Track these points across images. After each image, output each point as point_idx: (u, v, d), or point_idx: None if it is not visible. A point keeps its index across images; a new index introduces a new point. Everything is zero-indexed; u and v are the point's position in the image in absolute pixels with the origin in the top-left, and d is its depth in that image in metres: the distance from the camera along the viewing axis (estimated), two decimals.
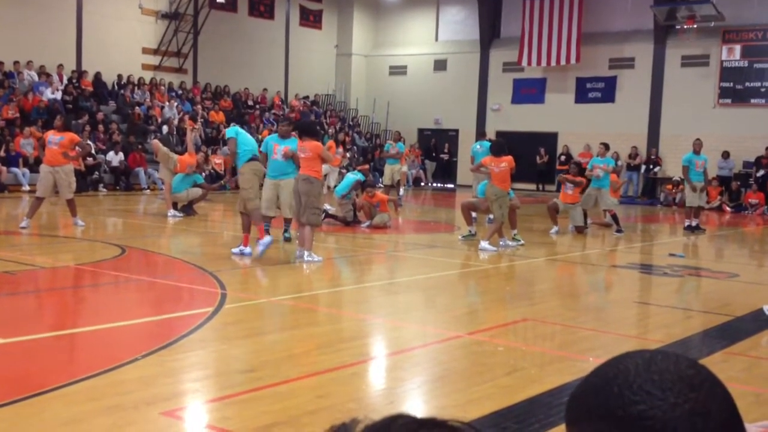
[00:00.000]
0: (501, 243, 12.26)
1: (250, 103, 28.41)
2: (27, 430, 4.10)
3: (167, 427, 4.28)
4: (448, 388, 5.15)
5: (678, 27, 25.80)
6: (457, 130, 30.70)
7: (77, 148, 13.00)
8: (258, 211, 10.46)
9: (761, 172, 23.72)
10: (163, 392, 4.72)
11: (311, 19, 31.52)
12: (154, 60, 26.34)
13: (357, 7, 32.34)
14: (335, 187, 14.95)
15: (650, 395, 0.91)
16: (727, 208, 22.99)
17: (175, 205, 14.92)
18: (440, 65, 31.12)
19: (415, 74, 31.59)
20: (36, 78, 22.61)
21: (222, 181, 19.56)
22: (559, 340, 6.69)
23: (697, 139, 16.64)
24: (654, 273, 10.99)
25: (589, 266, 11.66)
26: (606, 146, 16.29)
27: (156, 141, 16.44)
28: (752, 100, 24.95)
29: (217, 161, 23.17)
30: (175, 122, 24.39)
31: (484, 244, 11.89)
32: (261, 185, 10.88)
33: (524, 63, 28.42)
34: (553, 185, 26.45)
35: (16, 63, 22.42)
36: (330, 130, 28.68)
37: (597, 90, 27.73)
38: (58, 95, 22.53)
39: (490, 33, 29.90)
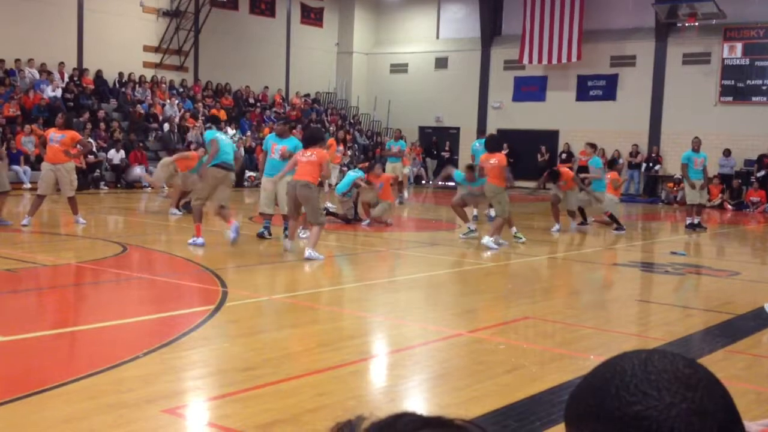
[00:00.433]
0: (502, 242, 12.24)
1: (251, 100, 28.41)
2: (28, 428, 4.11)
3: (168, 424, 4.28)
4: (448, 386, 5.15)
5: (679, 24, 25.79)
6: (458, 128, 30.69)
7: (78, 146, 12.99)
8: (199, 210, 11.06)
9: (762, 172, 23.70)
10: (164, 390, 4.73)
11: (312, 16, 31.51)
12: (155, 58, 26.34)
13: (358, 5, 32.32)
14: (336, 184, 14.97)
15: (647, 395, 0.91)
16: (729, 206, 22.98)
17: (178, 203, 14.98)
18: (441, 63, 31.11)
19: (416, 72, 31.58)
20: (37, 76, 22.61)
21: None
22: (560, 338, 6.70)
23: (696, 137, 16.61)
24: (655, 271, 10.99)
25: (590, 264, 11.65)
26: (592, 146, 16.19)
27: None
28: (753, 98, 24.93)
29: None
30: (176, 120, 24.40)
31: (486, 240, 11.89)
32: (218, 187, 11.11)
33: (525, 61, 28.40)
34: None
35: (17, 61, 22.43)
36: (331, 128, 28.66)
37: (598, 88, 27.71)
38: (59, 93, 22.53)
39: (491, 31, 29.88)
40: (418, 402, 4.88)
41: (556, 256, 12.22)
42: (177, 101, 25.38)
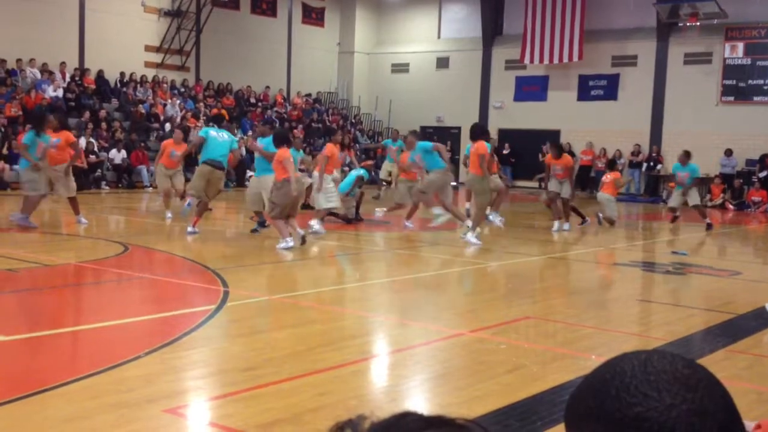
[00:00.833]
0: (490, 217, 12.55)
1: (253, 100, 28.42)
2: (29, 428, 4.11)
3: (169, 424, 4.28)
4: (450, 386, 5.15)
5: (681, 24, 25.77)
6: (459, 128, 30.67)
7: (72, 147, 12.81)
8: (197, 203, 12.34)
9: (764, 172, 23.69)
10: (166, 390, 4.73)
11: (314, 16, 31.52)
12: (156, 58, 26.35)
13: (359, 5, 32.32)
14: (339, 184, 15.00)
15: (647, 397, 0.91)
16: (730, 206, 22.98)
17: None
18: (442, 63, 31.10)
19: (418, 72, 31.58)
20: (39, 76, 22.62)
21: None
22: (561, 338, 6.69)
23: (684, 151, 16.59)
24: (656, 271, 10.99)
25: (591, 264, 11.65)
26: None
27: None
28: (755, 98, 24.91)
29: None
30: (178, 120, 24.41)
31: (469, 236, 11.99)
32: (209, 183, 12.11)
33: (527, 60, 28.40)
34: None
35: (18, 61, 22.44)
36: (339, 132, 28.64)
37: (599, 87, 27.70)
38: (61, 93, 22.54)
39: (492, 30, 29.88)
40: (419, 402, 4.88)
41: (557, 256, 12.21)
42: (178, 101, 25.39)
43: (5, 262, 9.08)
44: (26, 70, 22.46)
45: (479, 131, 12.44)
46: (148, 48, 26.10)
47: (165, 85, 25.82)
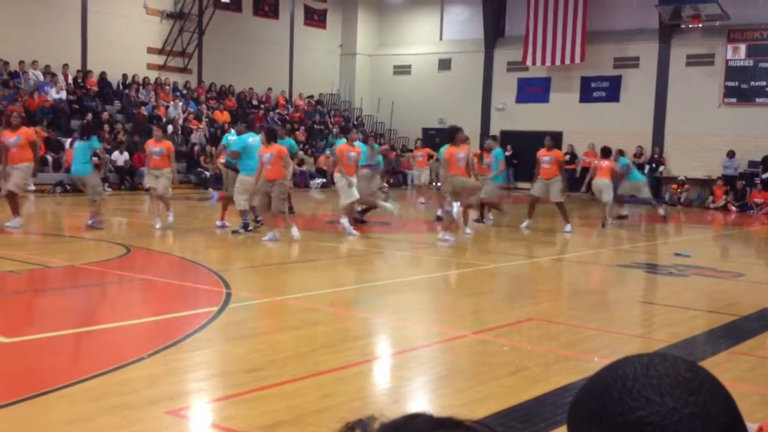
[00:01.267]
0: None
1: (255, 102, 28.44)
2: (32, 429, 4.11)
3: (172, 426, 4.29)
4: (452, 388, 5.15)
5: (683, 26, 25.76)
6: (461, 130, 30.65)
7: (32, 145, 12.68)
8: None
9: (766, 174, 23.66)
10: (168, 391, 4.73)
11: (316, 18, 31.54)
12: (158, 60, 26.38)
13: (361, 7, 32.34)
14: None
15: (649, 401, 0.91)
16: (733, 208, 22.95)
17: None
18: (444, 65, 31.11)
19: (420, 74, 31.58)
20: (41, 78, 22.66)
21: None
22: (564, 340, 6.69)
23: (617, 150, 16.71)
24: (659, 272, 10.97)
25: (594, 265, 11.64)
26: (494, 138, 16.05)
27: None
28: (757, 100, 24.89)
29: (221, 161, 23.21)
30: (180, 122, 24.44)
31: (442, 234, 12.42)
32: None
33: (529, 62, 28.40)
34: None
35: (21, 63, 22.48)
36: (335, 130, 28.66)
37: (602, 89, 27.69)
38: (63, 95, 22.58)
39: (494, 32, 29.88)
40: (422, 403, 4.87)
41: (560, 258, 12.20)
42: (181, 103, 25.41)
43: (7, 263, 9.09)
44: (29, 72, 22.49)
45: (449, 133, 12.95)
46: (150, 50, 26.13)
47: (167, 87, 25.84)
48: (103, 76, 24.36)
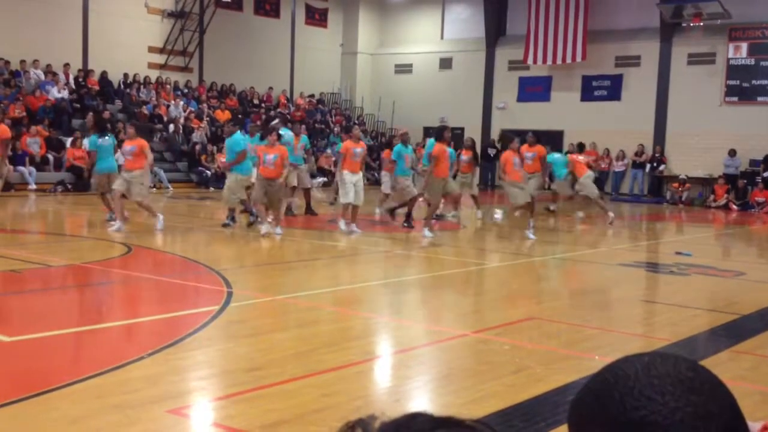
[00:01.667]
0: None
1: (256, 101, 28.44)
2: (33, 428, 4.12)
3: (173, 425, 4.29)
4: (453, 387, 5.15)
5: (684, 25, 25.74)
6: (462, 129, 30.64)
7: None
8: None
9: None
10: (169, 390, 4.74)
11: (317, 17, 31.53)
12: (159, 59, 26.38)
13: (363, 6, 32.33)
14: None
15: (651, 400, 0.91)
16: (734, 207, 22.94)
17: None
18: (446, 63, 31.10)
19: (421, 72, 31.57)
20: (42, 77, 22.66)
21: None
22: (565, 339, 6.68)
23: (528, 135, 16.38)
24: (660, 271, 10.97)
25: (595, 264, 11.64)
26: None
27: None
28: (759, 98, 24.86)
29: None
30: (181, 121, 24.44)
31: (424, 231, 12.77)
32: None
33: (530, 61, 28.37)
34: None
35: (22, 62, 22.47)
36: (336, 129, 28.63)
37: (603, 88, 27.66)
38: (65, 94, 22.58)
39: (495, 31, 29.86)
40: (423, 402, 4.88)
41: (561, 257, 12.20)
42: (182, 102, 25.40)
43: (9, 263, 9.09)
44: (30, 72, 22.49)
45: (437, 132, 13.20)
46: (151, 49, 26.13)
47: (168, 87, 25.84)
48: (104, 76, 24.36)
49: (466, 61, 30.44)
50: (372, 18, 32.84)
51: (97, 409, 4.34)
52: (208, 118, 25.33)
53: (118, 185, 12.15)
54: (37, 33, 22.75)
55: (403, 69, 32.12)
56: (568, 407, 0.99)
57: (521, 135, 15.61)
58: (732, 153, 24.44)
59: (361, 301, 8.18)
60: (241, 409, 4.49)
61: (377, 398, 4.90)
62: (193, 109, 25.32)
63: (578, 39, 27.30)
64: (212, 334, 6.16)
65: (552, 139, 28.19)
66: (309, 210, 15.64)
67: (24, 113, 21.00)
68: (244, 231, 12.80)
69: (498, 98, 29.85)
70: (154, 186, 21.60)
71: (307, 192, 15.64)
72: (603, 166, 26.79)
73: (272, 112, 27.96)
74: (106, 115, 22.63)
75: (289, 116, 27.54)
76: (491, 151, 27.40)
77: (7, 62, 22.13)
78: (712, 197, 23.70)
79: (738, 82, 25.16)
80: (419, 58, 31.67)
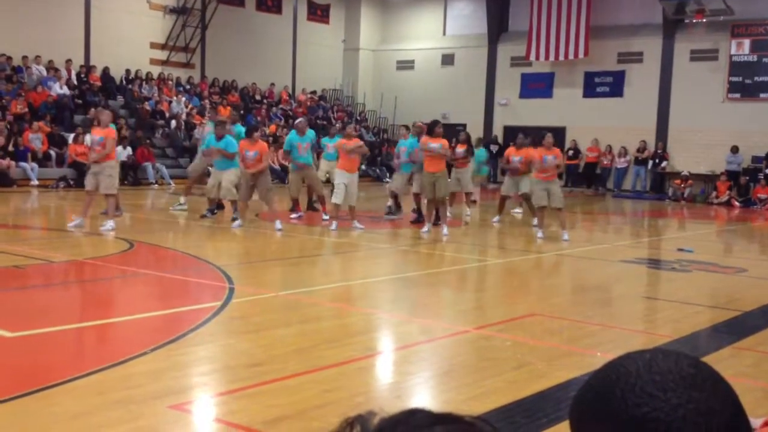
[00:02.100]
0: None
1: (258, 97, 28.43)
2: (36, 423, 4.12)
3: (175, 420, 4.29)
4: (455, 383, 5.15)
5: (687, 21, 25.69)
6: (464, 125, 30.59)
7: None
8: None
9: None
10: (171, 386, 4.74)
11: (319, 13, 31.51)
12: (162, 55, 26.38)
13: (365, 2, 32.30)
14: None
15: (652, 397, 0.91)
16: (736, 203, 22.92)
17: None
18: (448, 60, 31.06)
19: (423, 69, 31.54)
20: (44, 73, 22.66)
21: None
22: (567, 335, 6.69)
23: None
24: (662, 268, 10.97)
25: (597, 261, 11.63)
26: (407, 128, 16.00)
27: None
28: (761, 95, 24.83)
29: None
30: (183, 117, 24.44)
31: (424, 228, 12.97)
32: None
33: (532, 57, 28.34)
34: (560, 180, 26.43)
35: (24, 58, 22.48)
36: (338, 125, 28.56)
37: (605, 84, 27.63)
38: (66, 90, 22.59)
39: (497, 27, 29.83)
40: (424, 398, 4.88)
41: (563, 253, 12.19)
42: (184, 98, 25.41)
43: (11, 258, 9.10)
44: (32, 67, 22.50)
45: (430, 128, 13.54)
46: (153, 45, 26.13)
47: (170, 82, 25.84)
48: (106, 72, 24.36)
49: (468, 57, 30.41)
50: (374, 14, 32.81)
51: (99, 404, 4.35)
52: (208, 115, 25.31)
53: (86, 181, 11.56)
54: (39, 29, 22.75)
55: (405, 65, 32.09)
56: (569, 404, 0.99)
57: (525, 132, 15.72)
58: (734, 150, 24.41)
59: (362, 298, 8.19)
60: (243, 404, 4.50)
61: (378, 394, 4.90)
62: (195, 106, 25.32)
63: (581, 35, 27.27)
64: (214, 330, 6.17)
65: (554, 136, 28.24)
66: (311, 206, 15.65)
67: (26, 109, 21.01)
68: (247, 227, 12.80)
69: (500, 95, 29.82)
70: (156, 182, 21.63)
71: (310, 188, 15.67)
72: (605, 162, 26.80)
73: (274, 108, 27.98)
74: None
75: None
76: (493, 148, 27.36)
77: (9, 58, 22.13)
78: (714, 194, 23.68)
79: (740, 79, 25.12)
80: (421, 54, 31.64)
